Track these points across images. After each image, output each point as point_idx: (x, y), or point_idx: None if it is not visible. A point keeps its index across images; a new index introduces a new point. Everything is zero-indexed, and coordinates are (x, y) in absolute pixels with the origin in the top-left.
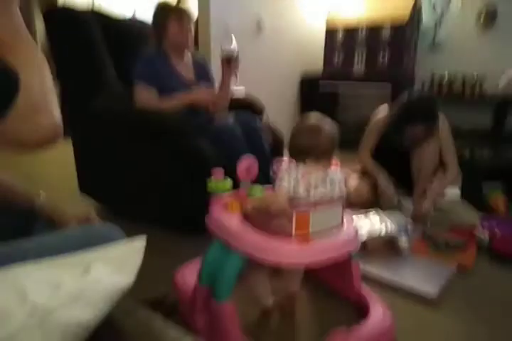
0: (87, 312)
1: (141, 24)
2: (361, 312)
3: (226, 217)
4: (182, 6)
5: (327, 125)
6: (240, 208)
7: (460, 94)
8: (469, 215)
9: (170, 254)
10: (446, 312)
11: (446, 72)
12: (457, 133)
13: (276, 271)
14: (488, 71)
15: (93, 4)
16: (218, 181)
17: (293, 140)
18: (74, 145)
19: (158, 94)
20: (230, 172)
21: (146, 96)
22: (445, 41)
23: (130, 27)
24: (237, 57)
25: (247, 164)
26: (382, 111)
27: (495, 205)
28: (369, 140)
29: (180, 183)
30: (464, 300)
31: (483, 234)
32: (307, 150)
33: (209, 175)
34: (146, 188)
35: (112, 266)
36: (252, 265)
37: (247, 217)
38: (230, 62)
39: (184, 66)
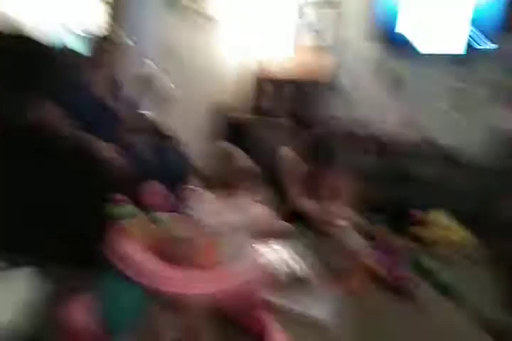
0: None
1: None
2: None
3: (128, 245)
4: (118, 37)
5: (241, 157)
6: (142, 236)
7: (368, 146)
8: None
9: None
10: (337, 336)
11: (359, 127)
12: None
13: (178, 305)
14: (393, 128)
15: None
16: (121, 207)
17: (206, 168)
18: None
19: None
20: (135, 198)
21: (53, 116)
22: (359, 100)
23: (54, 53)
24: (169, 94)
25: (153, 189)
26: (288, 157)
27: (379, 238)
28: (293, 186)
29: (77, 209)
30: (355, 324)
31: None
32: (218, 178)
33: (111, 201)
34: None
35: (9, 307)
36: (161, 308)
37: (150, 247)
38: (145, 84)
39: (113, 97)
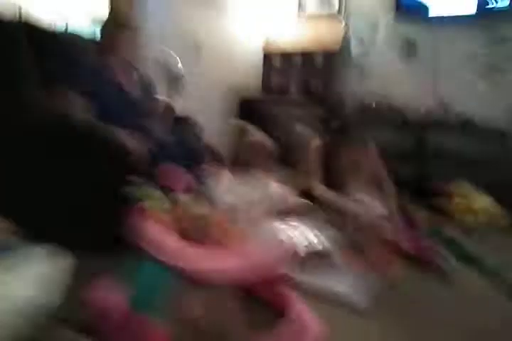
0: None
1: (77, 38)
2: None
3: (157, 231)
4: (130, 21)
5: (253, 132)
6: (171, 219)
7: (386, 120)
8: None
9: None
10: (376, 321)
11: (373, 99)
12: (384, 156)
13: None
14: (410, 98)
15: (20, 12)
16: (141, 189)
17: (234, 153)
18: None
19: (96, 110)
20: (154, 180)
21: (78, 108)
22: (372, 70)
23: (64, 41)
24: (182, 78)
25: (171, 171)
26: (315, 144)
27: (417, 221)
28: (315, 172)
29: (97, 197)
30: (391, 308)
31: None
32: (249, 164)
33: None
34: (66, 209)
35: (30, 282)
36: (185, 286)
37: (179, 231)
38: (176, 81)
39: (129, 82)
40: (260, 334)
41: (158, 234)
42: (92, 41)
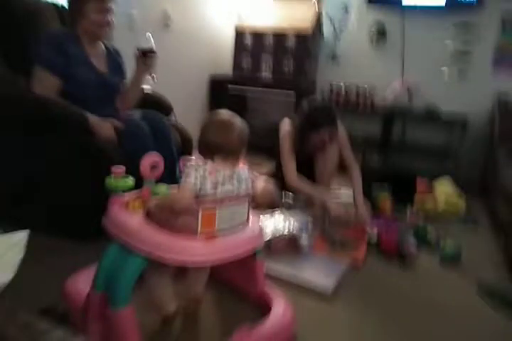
0: None
1: (44, 3)
2: (265, 310)
3: (126, 215)
4: None
5: (238, 123)
6: (143, 207)
7: (354, 104)
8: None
9: (65, 261)
10: (341, 304)
11: (343, 83)
12: (351, 140)
13: (179, 274)
14: (378, 84)
15: None
16: (118, 178)
17: (203, 135)
18: None
19: (63, 85)
20: (134, 171)
21: (44, 86)
22: (342, 54)
23: (28, 4)
24: (154, 55)
25: (151, 161)
26: (286, 126)
27: (382, 207)
28: (289, 160)
29: (76, 182)
30: (356, 292)
31: (373, 234)
32: (217, 146)
33: (109, 172)
34: (33, 189)
35: None
36: (152, 268)
37: (149, 216)
38: (147, 57)
39: (97, 56)
40: (242, 329)
41: (136, 223)
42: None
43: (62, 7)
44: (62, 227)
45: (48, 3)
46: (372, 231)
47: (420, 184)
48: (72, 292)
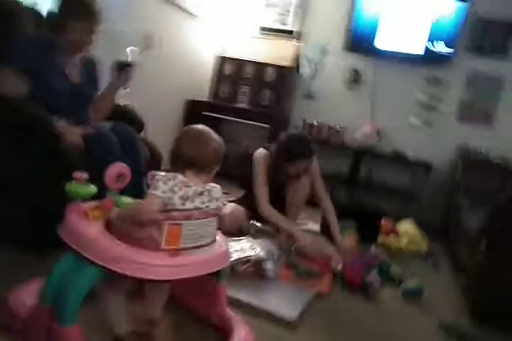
0: None
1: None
2: (224, 336)
3: (84, 224)
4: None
5: (214, 138)
6: (102, 217)
7: (325, 141)
8: (327, 248)
9: (12, 274)
10: (305, 333)
11: (315, 121)
12: (321, 176)
13: (136, 292)
14: (349, 124)
15: None
16: (80, 185)
17: (176, 147)
18: None
19: (35, 91)
20: (98, 180)
21: (10, 87)
22: (317, 94)
23: (6, 7)
24: (131, 69)
25: (118, 170)
26: (260, 155)
27: (348, 241)
28: (262, 188)
29: (35, 188)
30: (320, 321)
31: (337, 266)
32: (189, 159)
33: (70, 179)
34: None
35: None
36: (106, 284)
37: (109, 227)
38: (122, 71)
39: (72, 65)
40: None
41: (95, 234)
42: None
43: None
44: (15, 237)
45: (28, 7)
46: (337, 267)
47: (385, 223)
48: (15, 304)
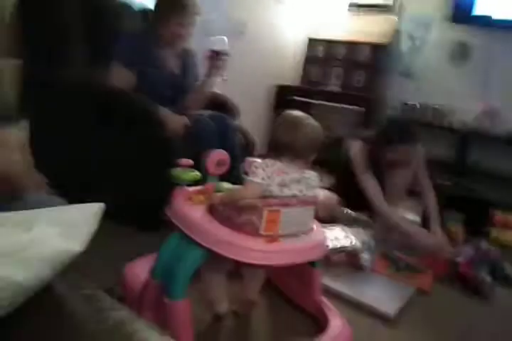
0: (19, 271)
1: (130, 4)
2: (319, 324)
3: (189, 208)
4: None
5: (309, 123)
6: (206, 201)
7: (430, 124)
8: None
9: (123, 247)
10: (403, 332)
11: (418, 103)
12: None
13: (235, 274)
14: (457, 104)
15: None
16: (185, 171)
17: (273, 134)
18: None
19: (137, 83)
20: (197, 169)
21: (119, 80)
22: (418, 71)
23: (117, 7)
24: (225, 56)
25: (218, 157)
26: (356, 149)
27: (454, 235)
28: (370, 183)
29: (143, 172)
30: (419, 320)
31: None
32: (284, 146)
33: (175, 166)
34: (102, 175)
35: (60, 229)
36: (209, 264)
37: (212, 211)
38: (217, 60)
39: (172, 58)
40: None
41: (199, 216)
42: (142, 12)
43: (150, 10)
44: (127, 217)
45: (137, 7)
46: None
47: (498, 216)
48: (130, 277)
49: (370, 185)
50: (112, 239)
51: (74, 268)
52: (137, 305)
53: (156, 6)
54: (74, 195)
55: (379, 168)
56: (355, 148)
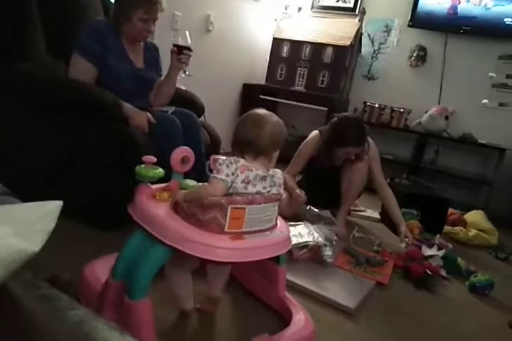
0: None
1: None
2: (283, 319)
3: (153, 205)
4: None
5: (272, 121)
6: (169, 199)
7: (388, 124)
8: (388, 238)
9: (85, 247)
10: (363, 324)
11: (376, 103)
12: (380, 161)
13: (200, 271)
14: (413, 106)
15: None
16: (149, 168)
17: (236, 132)
18: None
19: (99, 76)
20: (161, 164)
21: (80, 72)
22: (379, 73)
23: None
24: (189, 51)
25: (183, 154)
26: (313, 136)
27: (410, 231)
28: (297, 162)
29: (105, 169)
30: (379, 313)
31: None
32: (247, 143)
33: (139, 162)
34: (63, 173)
35: (14, 228)
36: (174, 262)
37: (176, 209)
38: (181, 55)
39: (135, 51)
40: (262, 337)
41: (162, 214)
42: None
43: (109, 2)
44: (89, 215)
45: None
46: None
47: (452, 213)
48: (89, 277)
49: (293, 166)
50: (72, 238)
51: (30, 267)
52: (97, 306)
53: (118, 1)
54: (33, 194)
55: (330, 163)
56: (310, 137)
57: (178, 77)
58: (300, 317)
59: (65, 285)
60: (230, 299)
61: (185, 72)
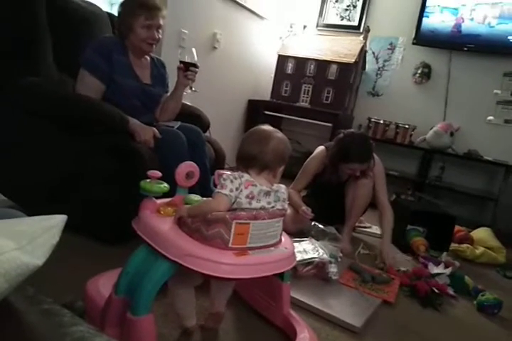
0: None
1: (100, 11)
2: (287, 337)
3: (157, 220)
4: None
5: (277, 137)
6: (174, 213)
7: (393, 141)
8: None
9: (89, 262)
10: None
11: (381, 119)
12: (386, 177)
13: (203, 287)
14: (418, 122)
15: None
16: (154, 182)
17: (241, 147)
18: None
19: (106, 91)
20: (166, 179)
21: (87, 88)
22: (383, 89)
23: (85, 11)
24: (195, 67)
25: (187, 169)
26: (319, 152)
27: (416, 248)
28: (303, 177)
29: (110, 184)
30: (385, 331)
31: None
32: (251, 158)
33: (144, 177)
34: (68, 187)
35: (17, 242)
36: (177, 279)
37: (180, 224)
38: (188, 72)
39: (142, 66)
40: None
41: (166, 229)
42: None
43: (115, 17)
44: (93, 230)
45: (103, 11)
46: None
47: (458, 231)
48: (92, 293)
49: (299, 180)
50: (75, 253)
51: (33, 282)
52: (100, 322)
53: (120, 11)
54: (37, 207)
55: (335, 179)
56: (315, 153)
57: (185, 93)
58: (305, 335)
59: (78, 312)
60: (233, 316)
61: (191, 88)
